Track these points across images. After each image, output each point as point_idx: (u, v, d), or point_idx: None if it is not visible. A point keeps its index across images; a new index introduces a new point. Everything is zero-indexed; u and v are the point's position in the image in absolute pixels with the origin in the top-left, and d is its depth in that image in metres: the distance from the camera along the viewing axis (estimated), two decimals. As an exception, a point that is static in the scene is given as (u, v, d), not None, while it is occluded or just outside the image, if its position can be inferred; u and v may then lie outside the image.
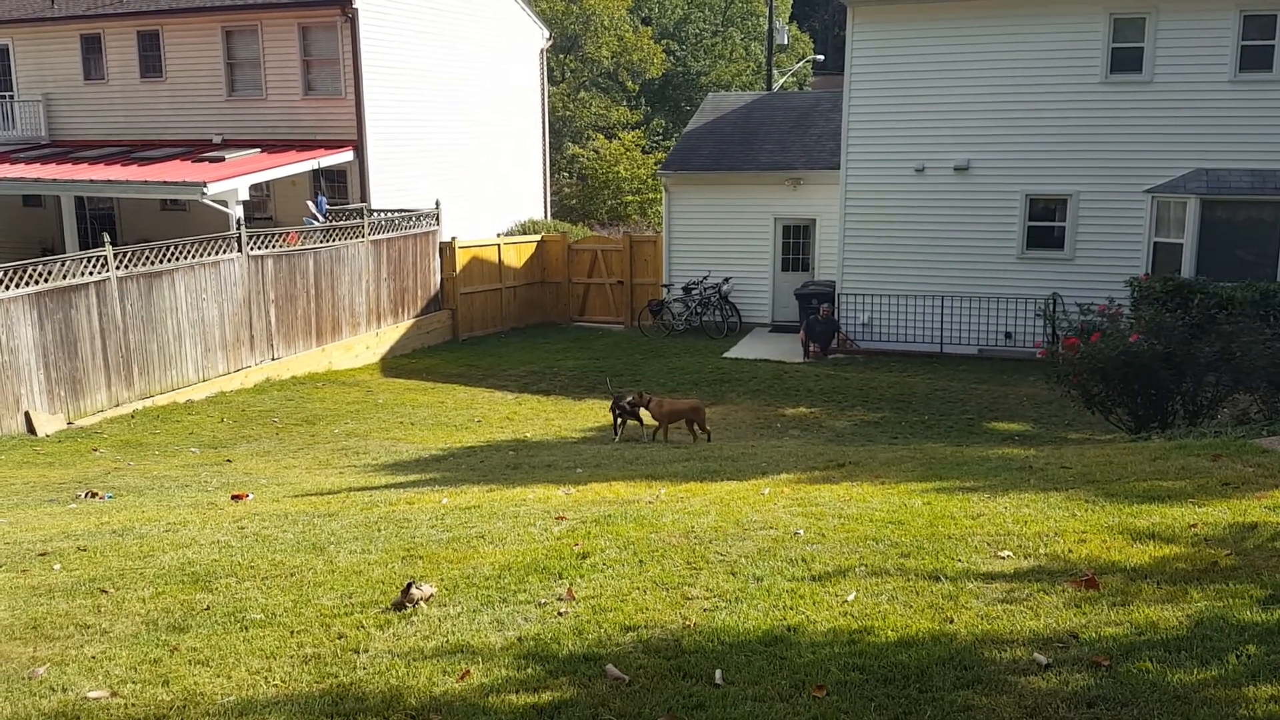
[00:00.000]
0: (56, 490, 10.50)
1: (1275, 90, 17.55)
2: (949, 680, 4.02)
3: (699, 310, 22.90)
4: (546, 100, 30.37)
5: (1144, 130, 18.33)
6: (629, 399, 13.60)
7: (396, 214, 21.93)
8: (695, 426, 13.30)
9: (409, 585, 5.25)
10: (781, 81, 44.35)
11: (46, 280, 14.43)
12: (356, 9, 22.15)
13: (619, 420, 13.75)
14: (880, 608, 4.78)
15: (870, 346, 20.27)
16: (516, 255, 24.75)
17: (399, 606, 5.13)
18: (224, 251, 17.28)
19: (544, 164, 30.22)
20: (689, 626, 4.68)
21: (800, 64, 49.06)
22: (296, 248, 18.81)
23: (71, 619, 5.35)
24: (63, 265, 14.90)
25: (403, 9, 23.70)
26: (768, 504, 7.00)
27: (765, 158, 23.40)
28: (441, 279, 22.81)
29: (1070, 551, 5.43)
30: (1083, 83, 18.56)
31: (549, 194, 30.92)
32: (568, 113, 43.72)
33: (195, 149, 23.11)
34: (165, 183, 20.66)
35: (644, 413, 13.63)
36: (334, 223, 20.33)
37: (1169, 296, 16.51)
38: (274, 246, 18.31)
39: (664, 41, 48.87)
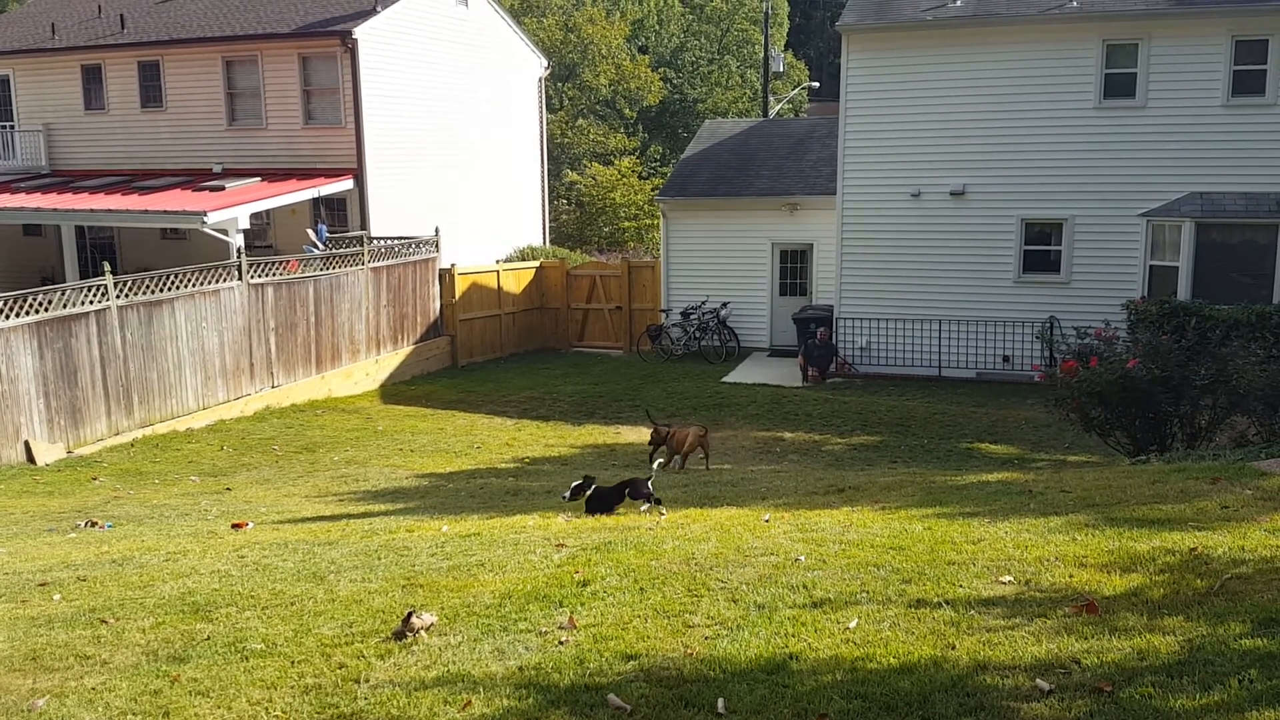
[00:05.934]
0: (56, 519, 10.49)
1: (1268, 114, 17.70)
2: (951, 707, 4.01)
3: (697, 335, 22.94)
4: (545, 127, 30.54)
5: (1138, 154, 18.46)
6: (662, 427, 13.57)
7: (396, 241, 22.00)
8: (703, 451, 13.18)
9: (409, 614, 5.24)
10: (778, 108, 44.67)
11: (46, 309, 14.46)
12: (356, 39, 22.33)
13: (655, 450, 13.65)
14: (882, 634, 4.77)
15: (868, 370, 20.30)
16: (515, 281, 24.82)
17: (399, 636, 5.12)
18: (224, 280, 17.32)
19: (542, 191, 30.35)
20: (690, 655, 4.67)
21: (796, 91, 49.44)
22: (296, 275, 18.86)
23: (71, 650, 5.33)
24: (63, 294, 14.93)
25: (402, 39, 23.88)
26: (768, 530, 6.99)
27: (762, 183, 23.52)
28: (441, 305, 22.86)
29: (1071, 576, 5.42)
30: (1077, 108, 18.71)
31: (548, 220, 31.03)
32: (566, 140, 43.97)
33: (195, 178, 23.20)
34: (165, 212, 20.75)
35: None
36: (334, 250, 20.40)
37: (1165, 320, 16.55)
38: (274, 274, 18.35)
39: (661, 69, 49.23)
